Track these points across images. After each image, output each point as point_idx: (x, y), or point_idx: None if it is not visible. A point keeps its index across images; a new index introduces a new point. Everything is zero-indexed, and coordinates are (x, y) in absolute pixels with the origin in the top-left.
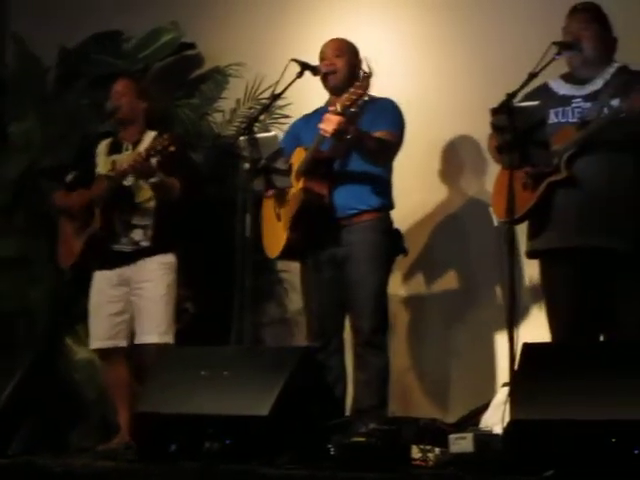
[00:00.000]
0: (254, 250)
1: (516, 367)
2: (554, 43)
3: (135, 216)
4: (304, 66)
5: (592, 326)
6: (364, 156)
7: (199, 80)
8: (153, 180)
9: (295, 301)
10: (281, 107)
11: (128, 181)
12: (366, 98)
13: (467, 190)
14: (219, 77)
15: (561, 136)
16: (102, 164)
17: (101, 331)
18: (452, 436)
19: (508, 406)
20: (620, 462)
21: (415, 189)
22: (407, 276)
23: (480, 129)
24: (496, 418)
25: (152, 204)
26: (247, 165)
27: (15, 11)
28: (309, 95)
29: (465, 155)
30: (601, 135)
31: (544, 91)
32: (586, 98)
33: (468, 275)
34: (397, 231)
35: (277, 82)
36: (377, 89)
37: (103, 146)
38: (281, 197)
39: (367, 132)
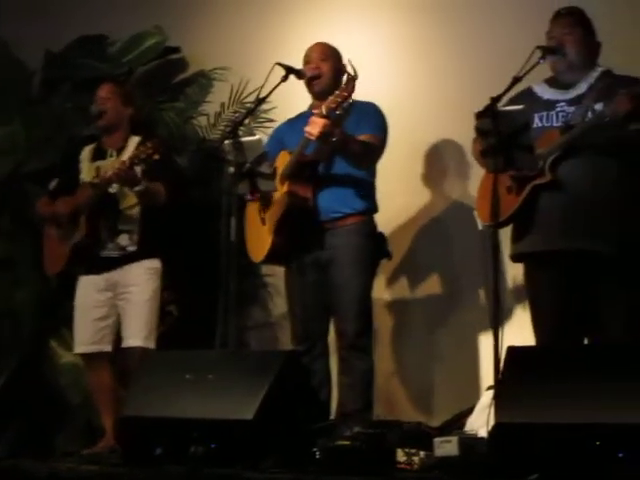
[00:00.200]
0: (239, 254)
1: (501, 370)
2: (538, 47)
3: (120, 222)
4: (289, 70)
5: (576, 329)
6: (348, 159)
7: (184, 84)
8: (138, 188)
9: (280, 305)
10: (266, 111)
11: (113, 188)
12: (350, 101)
13: (451, 194)
14: (204, 81)
15: (545, 140)
16: (86, 170)
17: (85, 336)
18: (437, 439)
19: (493, 409)
20: (604, 465)
21: (399, 193)
22: (391, 280)
23: (464, 133)
24: (481, 421)
25: (137, 210)
26: (232, 169)
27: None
28: (294, 99)
29: (449, 159)
30: (585, 139)
31: (528, 95)
32: (570, 102)
33: (451, 279)
34: (381, 234)
35: (262, 86)
36: (361, 93)
37: (87, 152)
38: (265, 201)
39: (352, 135)
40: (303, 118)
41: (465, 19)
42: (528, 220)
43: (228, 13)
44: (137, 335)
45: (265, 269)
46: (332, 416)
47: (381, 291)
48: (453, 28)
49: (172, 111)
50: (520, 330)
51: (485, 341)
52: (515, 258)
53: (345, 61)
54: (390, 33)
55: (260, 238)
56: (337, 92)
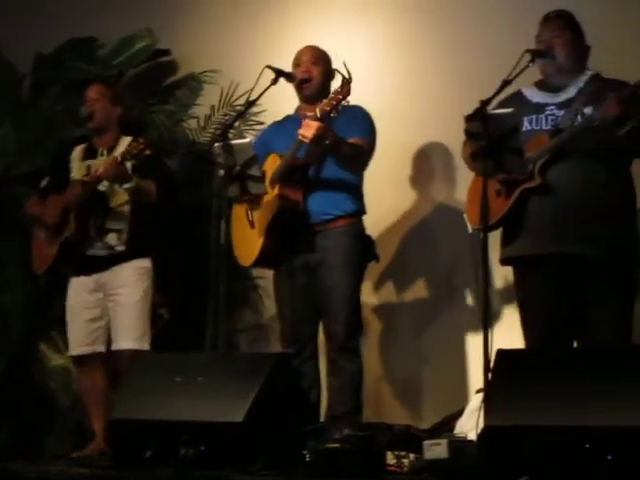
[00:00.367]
0: (229, 256)
1: (490, 373)
2: (527, 51)
3: (110, 220)
4: (279, 73)
5: (566, 332)
6: (340, 162)
7: (174, 86)
8: (128, 185)
9: (270, 307)
10: (256, 114)
11: (103, 186)
12: (346, 103)
13: (438, 197)
14: (194, 84)
15: (534, 143)
16: (77, 169)
17: (79, 337)
18: (426, 442)
19: (482, 412)
20: (593, 468)
21: (387, 196)
22: (378, 283)
23: (452, 136)
24: (470, 424)
25: (127, 208)
26: (222, 171)
27: None
28: (283, 102)
29: (436, 162)
30: (574, 143)
31: (518, 98)
32: (559, 106)
33: (439, 282)
34: (369, 237)
35: (252, 89)
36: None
37: (78, 151)
38: (255, 204)
39: (343, 138)
40: (290, 121)
41: (454, 22)
42: (518, 224)
43: (218, 16)
44: (127, 337)
45: (256, 271)
46: (322, 419)
47: (369, 294)
48: (442, 31)
49: (162, 114)
50: (509, 333)
51: (472, 344)
52: (505, 262)
53: (338, 64)
54: (379, 36)
55: (249, 241)
56: (332, 95)
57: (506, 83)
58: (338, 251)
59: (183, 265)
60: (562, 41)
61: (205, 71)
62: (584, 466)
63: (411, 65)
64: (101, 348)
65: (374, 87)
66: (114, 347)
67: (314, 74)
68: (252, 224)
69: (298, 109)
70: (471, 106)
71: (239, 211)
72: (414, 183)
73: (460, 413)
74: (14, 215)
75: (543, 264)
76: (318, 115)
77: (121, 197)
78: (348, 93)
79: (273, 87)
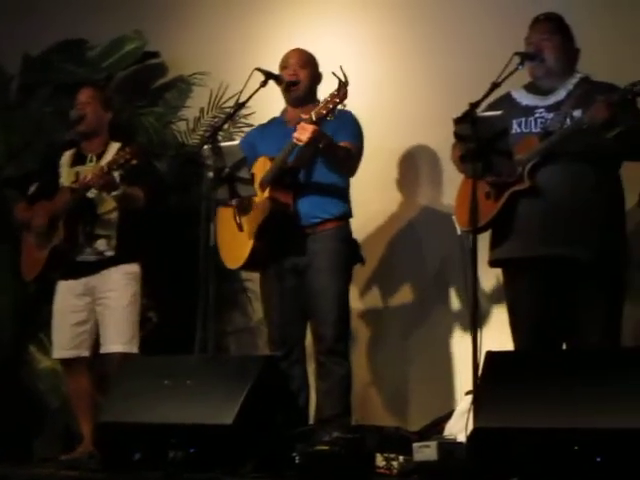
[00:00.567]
0: (218, 259)
1: (479, 375)
2: (516, 53)
3: (98, 227)
4: (268, 75)
5: (555, 335)
6: (332, 166)
7: (163, 89)
8: (116, 193)
9: (259, 310)
10: (245, 116)
11: (91, 193)
12: (342, 107)
13: (425, 200)
14: (183, 86)
15: (524, 146)
16: (65, 175)
17: (64, 341)
18: (416, 444)
19: (471, 414)
20: (582, 470)
21: (373, 199)
22: (365, 287)
23: (439, 139)
24: (460, 426)
25: (115, 214)
26: (211, 174)
27: None
28: (272, 104)
29: (423, 165)
30: (564, 146)
31: (507, 101)
32: (549, 109)
33: (426, 285)
34: (355, 240)
35: (241, 91)
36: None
37: (67, 157)
38: (244, 206)
39: (336, 142)
40: (276, 124)
41: (442, 25)
42: (507, 226)
43: (207, 18)
44: (116, 341)
45: (245, 274)
46: (310, 421)
47: (356, 298)
48: (430, 34)
49: (151, 116)
50: (497, 335)
51: (459, 346)
52: (494, 264)
53: (330, 67)
54: (366, 40)
55: (237, 244)
56: (328, 98)
57: (495, 86)
58: (326, 254)
59: (172, 268)
60: (551, 44)
61: (194, 73)
62: (573, 468)
63: (398, 68)
64: (85, 353)
65: (361, 90)
66: (103, 350)
67: (301, 77)
68: (240, 227)
69: (284, 112)
70: (459, 109)
71: (225, 214)
72: (401, 186)
73: (449, 415)
74: (3, 219)
75: (532, 266)
76: (314, 118)
77: (109, 204)
78: (345, 97)
79: (262, 89)
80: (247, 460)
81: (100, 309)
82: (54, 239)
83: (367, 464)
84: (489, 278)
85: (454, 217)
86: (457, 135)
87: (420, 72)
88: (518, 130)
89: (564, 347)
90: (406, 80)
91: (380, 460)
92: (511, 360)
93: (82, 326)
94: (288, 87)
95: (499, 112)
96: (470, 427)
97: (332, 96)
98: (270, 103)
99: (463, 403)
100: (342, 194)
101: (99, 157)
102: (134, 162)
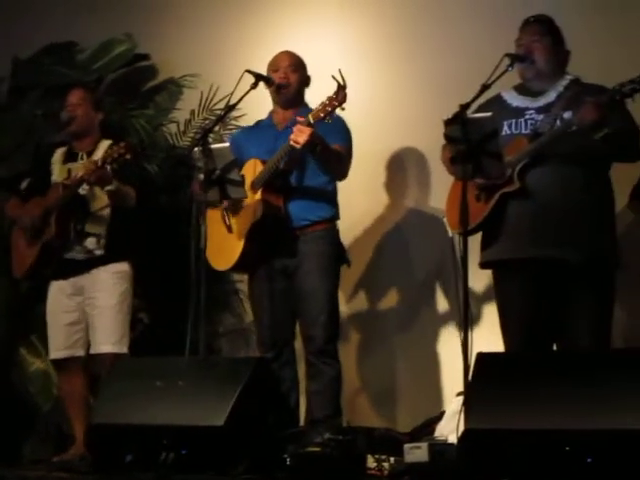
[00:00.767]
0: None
1: (470, 377)
2: (506, 55)
3: (89, 224)
4: (258, 77)
5: (545, 336)
6: (327, 168)
7: (153, 91)
8: (109, 188)
9: (250, 311)
10: (235, 118)
11: (83, 189)
12: (341, 110)
13: (412, 202)
14: (173, 88)
15: (514, 147)
16: (58, 172)
17: (58, 341)
18: (407, 446)
19: (462, 415)
20: (573, 471)
21: (361, 202)
22: (353, 289)
23: (427, 142)
24: (451, 427)
25: (106, 212)
26: (201, 176)
27: None
28: (263, 106)
29: (411, 167)
30: (553, 147)
31: (497, 102)
32: (539, 110)
33: (414, 287)
34: (341, 242)
35: (231, 93)
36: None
37: (58, 154)
38: (233, 208)
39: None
40: (263, 126)
41: (431, 27)
42: (497, 228)
43: (197, 20)
44: (105, 341)
45: (236, 275)
46: (301, 422)
47: (344, 301)
48: (418, 36)
49: (142, 118)
50: (487, 336)
51: (446, 348)
52: (484, 266)
53: (319, 69)
54: (354, 42)
55: (226, 245)
56: (326, 101)
57: (485, 87)
58: (316, 256)
59: (163, 269)
60: (541, 46)
61: (184, 75)
62: (564, 469)
63: (387, 71)
64: (80, 352)
65: (350, 93)
66: (93, 351)
67: (292, 81)
68: (229, 228)
69: (272, 114)
70: (447, 111)
71: (214, 215)
72: (388, 189)
73: (440, 416)
74: None
75: (522, 268)
76: (311, 121)
77: (101, 201)
78: (344, 100)
79: (253, 91)
80: (238, 461)
81: (89, 309)
82: (45, 235)
83: (358, 465)
84: (479, 279)
85: (445, 220)
86: (447, 137)
87: (409, 74)
88: (508, 131)
89: (554, 348)
90: (395, 82)
91: (371, 461)
92: (502, 361)
93: (75, 326)
94: (279, 89)
95: (489, 114)
96: (461, 428)
97: (330, 99)
98: (260, 105)
99: (454, 404)
100: (331, 197)
101: (90, 154)
102: (128, 156)
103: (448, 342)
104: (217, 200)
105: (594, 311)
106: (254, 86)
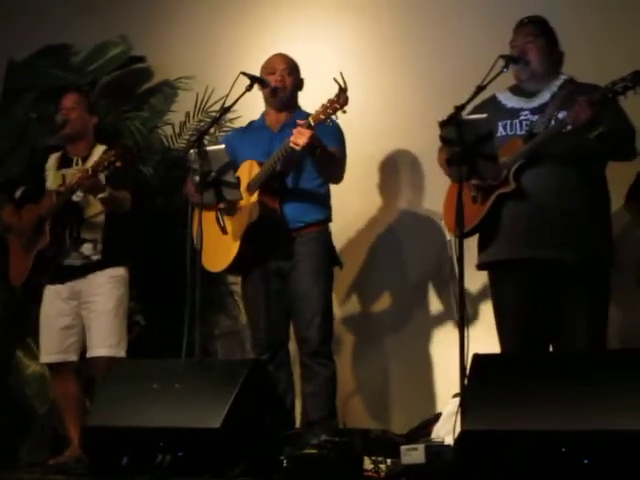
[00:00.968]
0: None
1: (466, 378)
2: (501, 56)
3: (84, 231)
4: (254, 79)
5: (541, 337)
6: (324, 171)
7: (148, 93)
8: (102, 195)
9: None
10: (231, 120)
11: (77, 196)
12: (343, 113)
13: (406, 204)
14: (168, 90)
15: (509, 148)
16: (52, 178)
17: (51, 345)
18: (404, 447)
19: (459, 417)
20: (570, 472)
21: (354, 204)
22: (347, 291)
23: (420, 144)
24: (447, 429)
25: (101, 218)
26: (197, 178)
27: None
28: (258, 108)
29: (404, 170)
30: (548, 147)
31: (492, 104)
32: (533, 111)
33: (407, 288)
34: (332, 244)
35: (227, 95)
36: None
37: (53, 160)
38: (228, 210)
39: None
40: (257, 128)
41: (424, 29)
42: (493, 229)
43: (193, 22)
44: (102, 344)
45: (232, 277)
46: (297, 424)
47: (338, 303)
48: (412, 38)
49: (137, 120)
50: (483, 337)
51: (441, 349)
52: (481, 267)
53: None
54: (350, 44)
55: (221, 247)
56: (327, 104)
57: (480, 89)
58: (310, 258)
59: (158, 271)
60: (536, 47)
61: (180, 77)
62: (561, 470)
63: (381, 72)
64: (73, 357)
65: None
66: (89, 354)
67: (287, 83)
68: (224, 230)
69: (265, 115)
70: (441, 113)
71: (207, 217)
72: (382, 191)
73: (436, 418)
74: None
75: (519, 269)
76: (312, 123)
77: (95, 207)
78: (345, 102)
79: (248, 93)
80: (235, 464)
81: (85, 313)
82: (39, 244)
83: (355, 467)
84: (475, 280)
85: (442, 222)
86: (443, 138)
87: (404, 76)
88: (503, 133)
89: (550, 349)
90: (390, 84)
91: (368, 463)
92: (498, 362)
93: (69, 330)
94: (275, 92)
95: (484, 115)
96: (458, 430)
97: (331, 102)
98: (256, 107)
99: (450, 406)
100: (324, 199)
101: (84, 160)
102: (118, 164)
103: (442, 343)
104: (212, 202)
105: (590, 311)
106: (249, 88)
